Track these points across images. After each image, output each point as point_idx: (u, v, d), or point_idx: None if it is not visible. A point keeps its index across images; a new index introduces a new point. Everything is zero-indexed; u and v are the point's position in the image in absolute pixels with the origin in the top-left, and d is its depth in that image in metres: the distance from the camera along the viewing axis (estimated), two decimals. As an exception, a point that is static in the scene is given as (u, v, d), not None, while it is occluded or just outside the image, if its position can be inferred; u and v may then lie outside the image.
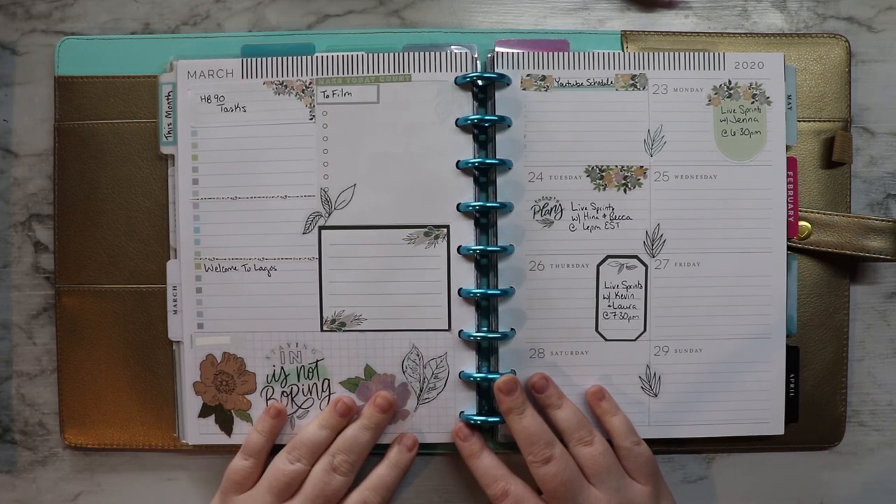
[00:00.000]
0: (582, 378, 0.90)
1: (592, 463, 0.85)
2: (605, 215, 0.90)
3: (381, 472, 0.89)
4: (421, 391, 0.91)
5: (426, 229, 0.90)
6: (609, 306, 0.90)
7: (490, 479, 0.87)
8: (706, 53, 0.90)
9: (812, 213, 0.91)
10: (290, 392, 0.91)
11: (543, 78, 0.90)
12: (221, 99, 0.91)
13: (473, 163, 0.88)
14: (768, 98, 0.90)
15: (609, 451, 0.86)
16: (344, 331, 0.90)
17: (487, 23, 0.96)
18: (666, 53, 0.90)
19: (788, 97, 0.91)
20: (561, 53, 0.90)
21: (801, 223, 0.91)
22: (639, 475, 0.86)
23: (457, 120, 0.89)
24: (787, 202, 0.90)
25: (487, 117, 0.88)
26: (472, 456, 0.88)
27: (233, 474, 0.88)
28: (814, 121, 0.93)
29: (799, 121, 0.93)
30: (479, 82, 0.90)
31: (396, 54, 0.90)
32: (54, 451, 0.95)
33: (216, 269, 0.91)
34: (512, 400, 0.86)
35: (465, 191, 0.89)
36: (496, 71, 0.90)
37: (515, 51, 0.90)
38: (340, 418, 0.88)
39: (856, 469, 0.96)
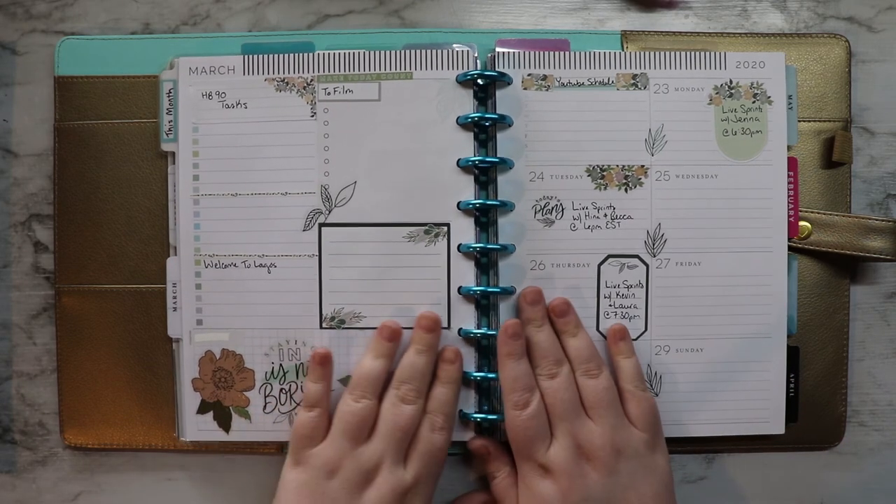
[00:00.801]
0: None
1: (594, 395, 0.85)
2: (606, 215, 0.90)
3: (437, 393, 0.87)
4: (421, 390, 0.90)
5: (426, 227, 0.90)
6: (610, 306, 0.90)
7: (518, 385, 0.85)
8: (707, 53, 0.91)
9: (812, 213, 0.91)
10: (289, 389, 0.91)
11: (544, 77, 0.90)
12: (223, 95, 0.91)
13: (474, 161, 0.88)
14: (769, 98, 0.90)
15: (613, 388, 0.86)
16: (343, 328, 0.90)
17: (487, 23, 0.96)
18: (667, 53, 0.90)
19: (789, 97, 0.91)
20: (562, 53, 0.90)
21: (802, 223, 0.91)
22: (638, 421, 0.85)
23: (458, 118, 0.89)
24: (788, 202, 0.91)
25: (488, 115, 0.88)
26: (510, 356, 0.86)
27: (301, 429, 0.86)
28: (814, 121, 0.93)
29: (799, 121, 0.93)
30: (480, 81, 0.90)
31: (398, 52, 0.90)
32: (54, 451, 0.95)
33: (216, 265, 0.90)
34: (534, 311, 0.87)
35: (466, 189, 0.90)
36: (497, 70, 0.90)
37: (516, 50, 0.91)
38: (389, 343, 0.87)
39: (856, 469, 0.96)
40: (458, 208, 0.89)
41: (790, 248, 0.91)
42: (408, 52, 0.90)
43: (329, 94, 0.90)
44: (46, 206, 0.95)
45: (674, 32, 0.94)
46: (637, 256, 0.90)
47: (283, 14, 0.96)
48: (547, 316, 0.88)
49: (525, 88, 0.90)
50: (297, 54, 0.90)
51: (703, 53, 0.91)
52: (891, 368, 0.96)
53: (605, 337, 0.90)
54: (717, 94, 0.90)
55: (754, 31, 0.95)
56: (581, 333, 0.88)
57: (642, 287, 0.90)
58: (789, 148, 0.91)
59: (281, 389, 0.91)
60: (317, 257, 0.90)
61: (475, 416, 0.90)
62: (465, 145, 0.90)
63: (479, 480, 0.94)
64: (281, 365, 0.91)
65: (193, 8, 0.96)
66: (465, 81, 0.90)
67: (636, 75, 0.90)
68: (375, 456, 0.84)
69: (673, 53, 0.90)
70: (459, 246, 0.89)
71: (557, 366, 0.85)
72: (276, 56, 0.90)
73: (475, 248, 0.89)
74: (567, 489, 0.82)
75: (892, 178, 0.96)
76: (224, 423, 0.91)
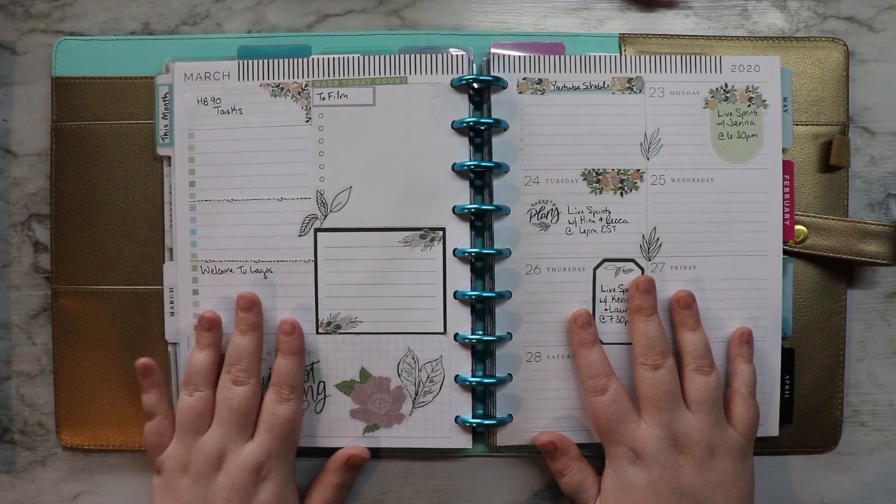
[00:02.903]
0: (579, 382, 0.90)
1: (702, 391, 0.85)
2: (601, 219, 0.90)
3: (280, 364, 0.87)
4: (416, 394, 0.91)
5: (422, 232, 0.90)
6: (606, 310, 0.90)
7: (594, 372, 0.86)
8: (703, 57, 0.90)
9: (808, 216, 0.91)
10: (286, 395, 0.91)
11: (539, 81, 0.90)
12: (218, 101, 0.91)
13: (469, 165, 0.88)
14: (765, 101, 0.90)
15: (721, 389, 0.86)
16: (339, 333, 0.90)
17: (487, 23, 0.96)
18: (662, 56, 0.90)
19: (784, 100, 0.91)
20: (557, 56, 0.90)
21: (798, 227, 0.91)
22: (739, 425, 0.86)
23: (453, 122, 0.89)
24: (784, 205, 0.90)
25: (483, 120, 0.88)
26: (583, 345, 0.87)
27: (149, 437, 0.87)
28: (811, 124, 0.93)
29: (796, 124, 0.92)
30: (475, 85, 0.90)
31: (392, 56, 0.90)
32: (53, 452, 0.95)
33: (212, 271, 0.91)
34: (647, 300, 0.88)
35: (461, 193, 0.90)
36: (492, 74, 0.89)
37: (511, 53, 0.90)
38: (209, 333, 0.88)
39: (856, 469, 0.96)
40: (454, 213, 0.89)
41: (786, 252, 0.91)
42: (402, 56, 0.90)
43: (324, 99, 0.90)
44: (46, 206, 0.95)
45: (672, 35, 0.93)
46: (633, 260, 0.90)
47: (283, 14, 0.96)
48: (656, 306, 0.88)
49: (520, 92, 0.90)
50: (291, 59, 0.90)
51: (698, 57, 0.90)
52: (891, 368, 0.96)
53: (601, 341, 0.90)
54: (712, 97, 0.90)
55: (754, 32, 0.95)
56: (700, 329, 0.88)
57: (638, 291, 0.90)
58: (785, 151, 0.91)
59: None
60: (313, 262, 0.90)
61: (471, 421, 0.90)
62: (461, 150, 0.90)
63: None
64: (277, 369, 0.91)
65: (193, 8, 0.96)
66: (460, 85, 0.89)
67: (631, 79, 0.90)
68: (218, 442, 0.84)
69: (668, 57, 0.90)
70: (455, 250, 0.89)
71: (664, 357, 0.85)
72: (270, 61, 0.90)
73: (471, 252, 0.89)
74: (657, 478, 0.83)
75: (892, 177, 0.95)
76: (221, 427, 0.91)
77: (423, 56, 0.90)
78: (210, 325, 0.88)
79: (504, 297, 0.89)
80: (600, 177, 0.90)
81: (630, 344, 0.89)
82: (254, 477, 0.83)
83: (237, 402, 0.85)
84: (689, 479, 0.83)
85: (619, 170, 0.90)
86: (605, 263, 0.90)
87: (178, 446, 0.85)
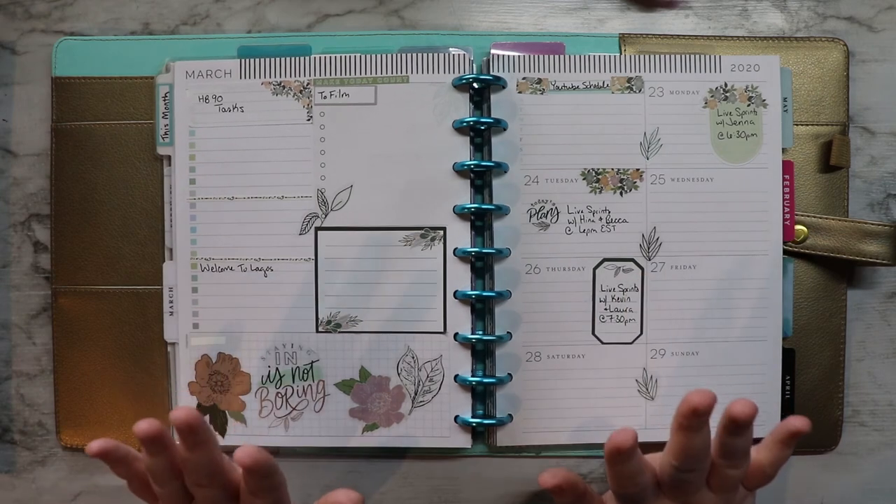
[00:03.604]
0: (579, 381, 0.90)
1: (731, 483, 0.78)
2: (601, 218, 0.90)
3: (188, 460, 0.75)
4: (416, 394, 0.91)
5: (422, 231, 0.90)
6: (605, 309, 0.90)
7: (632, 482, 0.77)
8: (702, 56, 0.90)
9: (808, 216, 0.91)
10: (285, 393, 0.91)
11: (539, 81, 0.90)
12: (219, 99, 0.91)
13: (469, 165, 0.89)
14: (764, 101, 0.90)
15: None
16: (339, 332, 0.91)
17: (487, 22, 0.96)
18: (662, 56, 0.90)
19: (784, 99, 0.91)
20: (557, 56, 0.90)
21: (798, 227, 0.91)
22: (751, 486, 0.81)
23: (453, 122, 0.90)
24: (784, 205, 0.90)
25: (483, 119, 0.88)
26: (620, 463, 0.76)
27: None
28: (811, 124, 0.93)
29: (796, 124, 0.92)
30: (476, 85, 0.90)
31: (394, 56, 0.90)
32: (53, 452, 0.95)
33: (212, 269, 0.91)
34: (699, 421, 0.73)
35: (462, 193, 0.90)
36: (492, 74, 0.90)
37: (511, 53, 0.90)
38: (152, 445, 0.73)
39: (856, 469, 0.96)
40: (454, 212, 0.90)
41: (786, 252, 0.91)
42: (404, 55, 0.90)
43: (325, 97, 0.90)
44: (46, 206, 0.95)
45: (672, 35, 0.93)
46: (632, 260, 0.90)
47: (283, 14, 0.96)
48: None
49: (520, 92, 0.90)
50: (293, 58, 0.90)
51: (697, 57, 0.90)
52: (891, 368, 0.96)
53: (601, 341, 0.90)
54: (712, 97, 0.90)
55: (754, 32, 0.95)
56: (748, 434, 0.76)
57: (637, 291, 0.90)
58: (785, 151, 0.91)
59: (277, 393, 0.91)
60: (313, 261, 0.90)
61: (471, 420, 0.90)
62: (461, 149, 0.90)
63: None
64: (277, 369, 0.91)
65: (193, 8, 0.96)
66: (460, 85, 0.90)
67: (631, 78, 0.90)
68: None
69: (668, 57, 0.90)
70: (455, 250, 0.90)
71: (700, 462, 0.76)
72: (272, 60, 0.91)
73: (471, 252, 0.89)
74: None
75: (892, 177, 0.95)
76: (220, 426, 0.92)
77: (425, 55, 0.90)
78: (148, 440, 0.73)
79: (504, 296, 0.89)
80: (600, 176, 0.90)
81: (630, 343, 0.90)
82: None
83: (210, 497, 0.77)
84: None
85: (619, 169, 0.90)
86: (605, 263, 0.90)
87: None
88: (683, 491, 0.79)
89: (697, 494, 0.80)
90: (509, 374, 0.90)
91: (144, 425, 0.72)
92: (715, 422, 0.73)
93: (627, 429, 0.74)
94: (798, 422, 0.75)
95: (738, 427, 0.73)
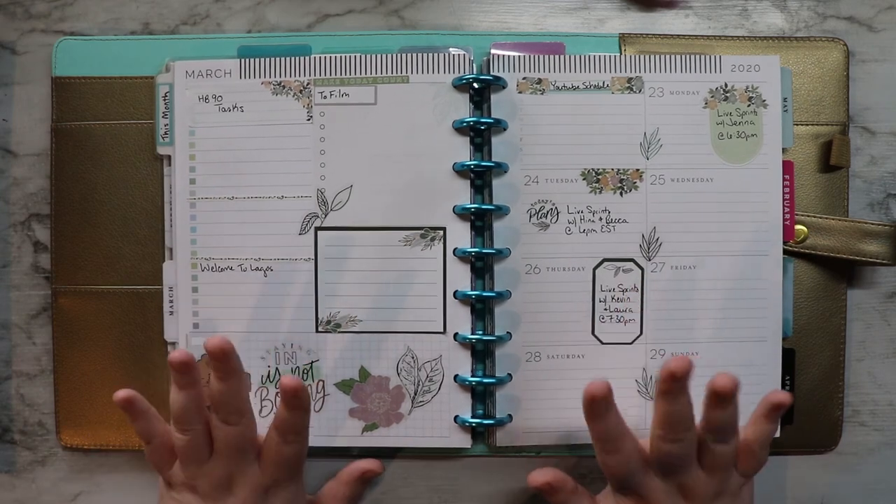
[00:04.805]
0: (579, 382, 0.89)
1: (721, 460, 0.80)
2: (601, 218, 0.90)
3: (284, 415, 0.81)
4: (415, 394, 0.91)
5: (422, 231, 0.90)
6: (605, 310, 0.90)
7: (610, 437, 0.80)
8: (702, 56, 0.90)
9: (808, 216, 0.91)
10: (285, 393, 0.91)
11: (539, 81, 0.90)
12: (219, 99, 0.91)
13: (469, 165, 0.89)
14: (764, 101, 0.90)
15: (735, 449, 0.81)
16: (339, 332, 0.90)
17: (487, 22, 0.96)
18: (662, 56, 0.90)
19: (784, 100, 0.91)
20: (557, 56, 0.90)
21: (798, 227, 0.91)
22: (745, 471, 0.82)
23: (453, 122, 0.90)
24: (784, 205, 0.90)
25: (483, 120, 0.88)
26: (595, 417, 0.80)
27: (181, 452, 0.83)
28: (812, 124, 0.93)
29: (797, 124, 0.92)
30: (476, 85, 0.90)
31: (394, 56, 0.90)
32: (54, 452, 0.95)
33: (212, 268, 0.91)
34: (677, 385, 0.77)
35: (462, 193, 0.90)
36: (492, 74, 0.90)
37: (511, 53, 0.90)
38: (182, 375, 0.79)
39: (856, 469, 0.96)
40: (454, 212, 0.90)
41: (786, 252, 0.91)
42: (404, 55, 0.90)
43: (325, 97, 0.90)
44: (46, 206, 0.95)
45: (672, 35, 0.93)
46: (632, 260, 0.90)
47: (283, 14, 0.96)
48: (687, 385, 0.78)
49: (520, 92, 0.90)
50: (293, 58, 0.90)
51: (698, 57, 0.90)
52: (891, 368, 0.96)
53: (600, 341, 0.90)
54: (712, 97, 0.90)
55: (754, 32, 0.95)
56: (732, 406, 0.78)
57: (637, 291, 0.90)
58: (785, 151, 0.91)
59: (277, 393, 0.91)
60: (313, 261, 0.90)
61: (471, 421, 0.90)
62: (461, 149, 0.90)
63: None
64: (277, 368, 0.91)
65: (193, 8, 0.96)
66: (460, 85, 0.90)
67: (631, 79, 0.90)
68: (223, 469, 0.82)
69: (668, 57, 0.90)
70: (455, 250, 0.90)
71: (686, 431, 0.79)
72: (272, 60, 0.91)
73: (471, 252, 0.89)
74: None
75: (892, 177, 0.95)
76: (220, 426, 0.91)
77: (425, 55, 0.90)
78: (182, 368, 0.79)
79: (504, 296, 0.89)
80: (600, 176, 0.90)
81: (630, 344, 0.90)
82: (262, 496, 0.83)
83: (234, 440, 0.81)
84: None
85: (619, 169, 0.90)
86: (605, 263, 0.90)
87: (184, 470, 0.83)
88: (673, 467, 0.81)
89: (690, 475, 0.81)
90: (509, 375, 0.90)
91: (178, 354, 0.78)
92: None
93: (602, 380, 0.78)
94: (780, 395, 0.79)
95: (721, 399, 0.76)
